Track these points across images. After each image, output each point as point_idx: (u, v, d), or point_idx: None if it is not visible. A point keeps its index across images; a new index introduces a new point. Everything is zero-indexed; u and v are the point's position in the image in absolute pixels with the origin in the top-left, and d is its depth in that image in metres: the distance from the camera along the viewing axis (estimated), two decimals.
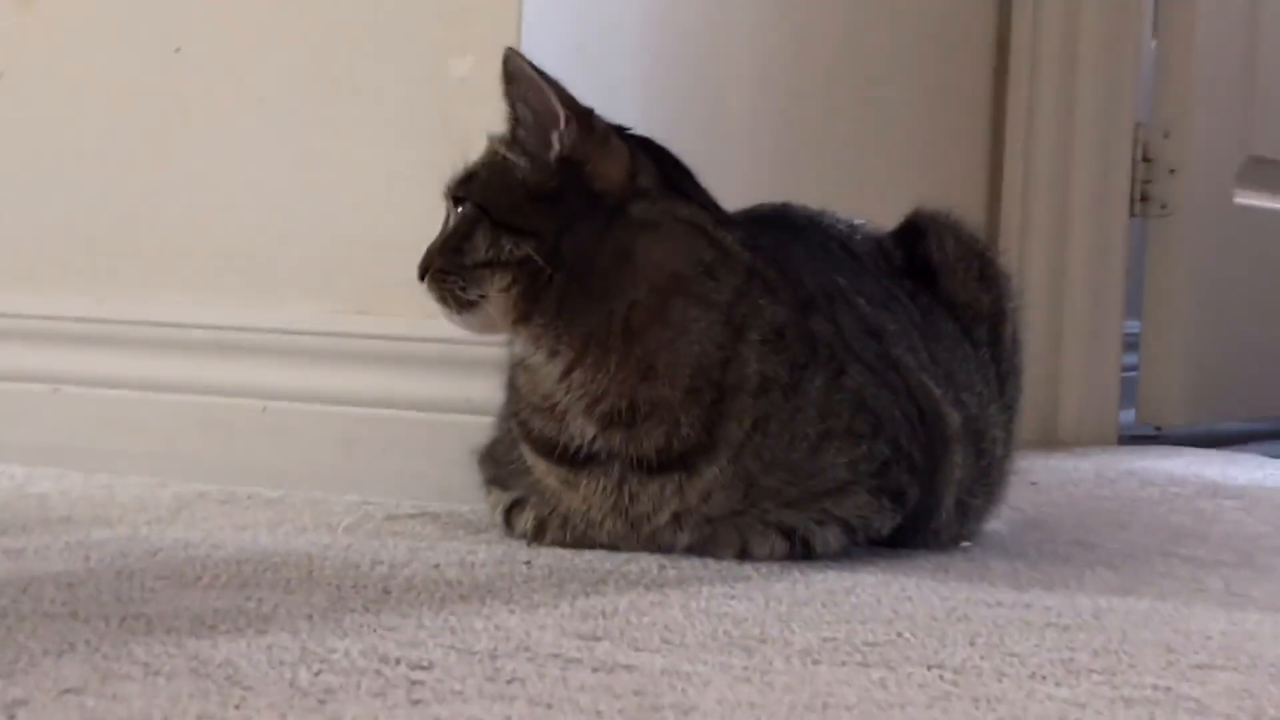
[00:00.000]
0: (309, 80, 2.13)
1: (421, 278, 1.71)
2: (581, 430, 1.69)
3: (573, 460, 1.70)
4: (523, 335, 1.70)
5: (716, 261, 1.71)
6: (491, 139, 1.74)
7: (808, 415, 1.70)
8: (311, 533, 1.77)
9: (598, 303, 1.68)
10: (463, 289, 1.69)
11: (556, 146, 1.69)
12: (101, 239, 2.24)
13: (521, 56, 1.69)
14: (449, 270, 1.70)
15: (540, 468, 1.73)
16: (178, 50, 2.19)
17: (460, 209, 1.72)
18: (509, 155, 1.71)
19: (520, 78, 1.70)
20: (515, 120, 1.71)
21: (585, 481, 1.70)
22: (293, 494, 2.04)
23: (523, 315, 1.68)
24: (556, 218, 1.69)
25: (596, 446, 1.69)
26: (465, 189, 1.72)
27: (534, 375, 1.72)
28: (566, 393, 1.69)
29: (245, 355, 2.14)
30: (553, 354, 1.69)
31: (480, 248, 1.69)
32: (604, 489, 1.69)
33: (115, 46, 2.24)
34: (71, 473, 2.13)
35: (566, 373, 1.69)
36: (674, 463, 1.68)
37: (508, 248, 1.68)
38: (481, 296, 1.68)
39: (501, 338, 1.85)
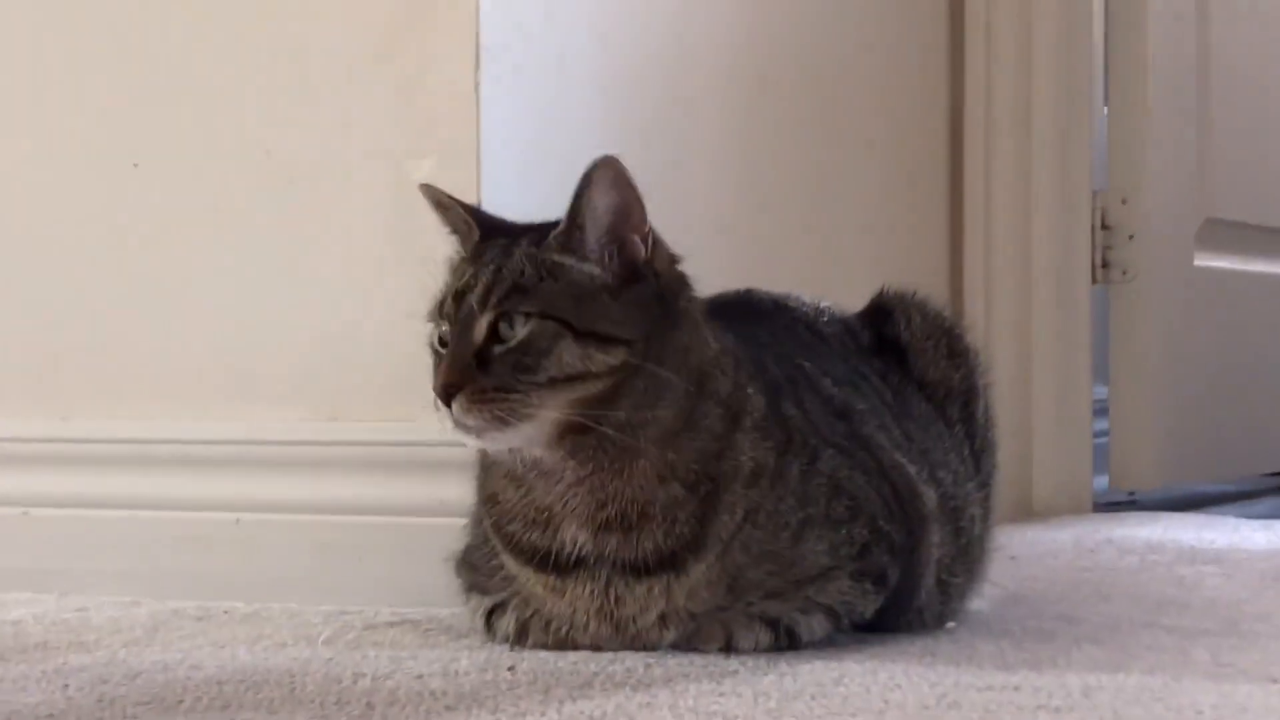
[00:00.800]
0: (268, 189, 2.13)
1: (448, 398, 1.60)
2: (573, 537, 1.67)
3: (560, 567, 1.68)
4: (562, 448, 1.63)
5: (720, 353, 1.71)
6: (544, 246, 1.66)
7: (788, 503, 1.69)
8: (291, 647, 1.75)
9: (659, 405, 1.65)
10: (524, 406, 1.60)
11: (643, 249, 1.67)
12: (65, 357, 2.23)
13: (621, 163, 1.65)
14: (509, 389, 1.60)
15: (525, 576, 1.71)
16: (136, 165, 2.18)
17: (515, 321, 1.62)
18: (570, 261, 1.66)
19: (612, 182, 1.65)
20: (579, 225, 1.66)
21: (572, 587, 1.68)
22: (269, 606, 2.02)
23: (581, 428, 1.62)
24: (638, 322, 1.66)
25: (585, 551, 1.67)
26: (521, 300, 1.63)
27: (529, 487, 1.68)
28: (564, 504, 1.66)
29: (215, 468, 2.13)
30: (581, 464, 1.64)
31: (563, 361, 1.61)
32: (590, 593, 1.67)
33: (73, 164, 2.23)
34: (44, 596, 2.11)
35: (578, 482, 1.65)
36: (665, 563, 1.66)
37: (600, 359, 1.63)
38: (541, 411, 1.61)
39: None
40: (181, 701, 1.47)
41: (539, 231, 1.68)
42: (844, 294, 2.16)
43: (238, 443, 2.12)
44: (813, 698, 1.47)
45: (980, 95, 3.19)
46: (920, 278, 2.16)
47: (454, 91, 2.02)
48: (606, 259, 1.66)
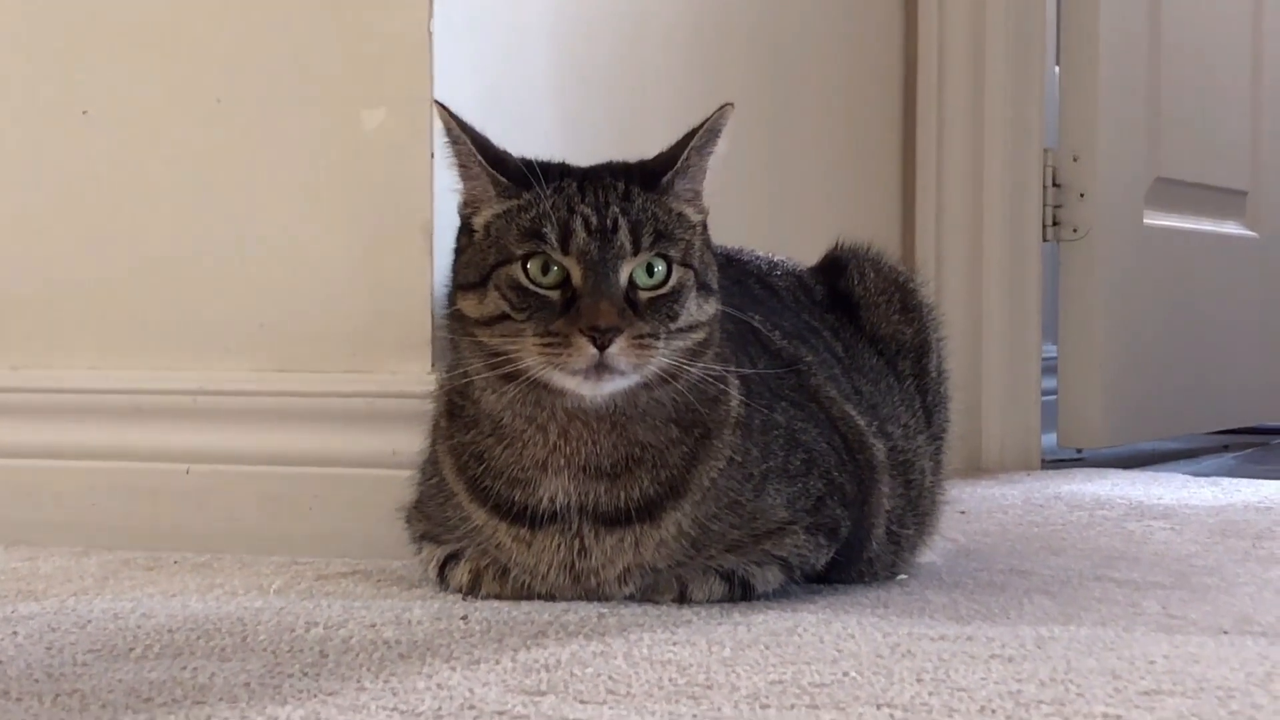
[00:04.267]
0: (219, 138, 2.11)
1: (608, 339, 1.56)
2: (554, 492, 1.65)
3: (532, 520, 1.67)
4: (639, 394, 1.62)
5: None
6: (665, 190, 1.65)
7: (753, 455, 1.70)
8: (242, 596, 1.74)
9: (711, 351, 1.66)
10: (658, 352, 1.59)
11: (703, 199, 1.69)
12: (13, 306, 2.21)
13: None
14: (656, 334, 1.59)
15: (493, 528, 1.69)
16: (85, 113, 2.16)
17: (664, 266, 1.61)
18: (687, 209, 1.66)
19: (727, 130, 1.66)
20: (689, 170, 1.66)
21: (541, 539, 1.67)
22: (220, 557, 2.02)
23: (668, 376, 1.62)
24: (716, 271, 1.68)
25: (561, 505, 1.65)
26: (670, 245, 1.62)
27: (523, 444, 1.65)
28: (560, 456, 1.64)
29: (165, 418, 2.11)
30: (626, 409, 1.63)
31: (690, 310, 1.62)
32: (558, 545, 1.66)
33: (21, 111, 2.21)
34: None
35: (606, 430, 1.63)
36: (642, 512, 1.65)
37: (706, 309, 1.65)
38: (661, 357, 1.59)
39: (426, 389, 1.84)
40: (132, 649, 1.46)
41: (621, 173, 1.65)
42: (797, 248, 2.16)
43: (188, 393, 2.10)
44: (766, 647, 1.47)
45: (933, 52, 3.19)
46: (872, 234, 2.16)
47: (407, 40, 2.01)
48: (697, 206, 1.68)
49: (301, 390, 2.06)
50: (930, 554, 1.98)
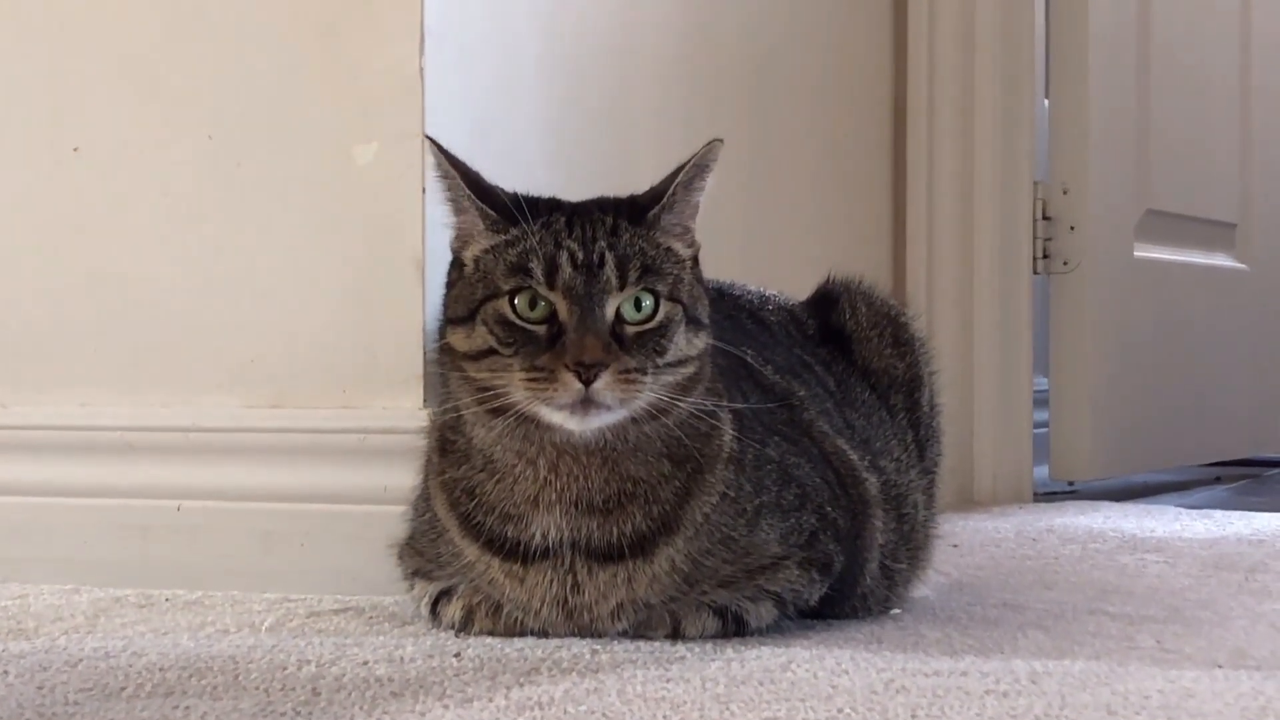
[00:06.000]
0: (210, 173, 2.11)
1: (594, 374, 1.56)
2: (547, 527, 1.65)
3: (525, 556, 1.66)
4: (628, 429, 1.62)
5: None
6: (652, 225, 1.65)
7: (746, 490, 1.69)
8: (234, 634, 1.74)
9: (701, 385, 1.66)
10: (647, 387, 1.58)
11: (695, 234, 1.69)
12: (3, 343, 2.21)
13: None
14: (643, 369, 1.59)
15: (486, 564, 1.68)
16: (76, 150, 2.16)
17: (651, 301, 1.61)
18: (676, 244, 1.66)
19: (715, 166, 1.66)
20: (675, 205, 1.66)
21: (534, 574, 1.66)
22: (211, 594, 2.01)
23: (658, 411, 1.62)
24: (708, 306, 1.68)
25: (554, 540, 1.65)
26: (657, 280, 1.62)
27: (514, 479, 1.65)
28: (552, 491, 1.64)
29: (157, 455, 2.11)
30: (615, 444, 1.63)
31: (681, 344, 1.62)
32: (550, 581, 1.66)
33: (11, 149, 2.20)
34: None
35: (598, 466, 1.63)
36: (635, 547, 1.65)
37: (696, 343, 1.64)
38: (649, 392, 1.59)
39: (418, 425, 1.83)
40: (124, 689, 1.46)
41: (611, 208, 1.66)
42: (789, 282, 2.16)
43: (180, 430, 2.10)
44: (760, 684, 1.46)
45: (923, 84, 3.20)
46: (863, 268, 2.16)
47: (399, 75, 2.01)
48: (687, 240, 1.68)
49: (293, 426, 2.06)
50: (923, 588, 1.97)
